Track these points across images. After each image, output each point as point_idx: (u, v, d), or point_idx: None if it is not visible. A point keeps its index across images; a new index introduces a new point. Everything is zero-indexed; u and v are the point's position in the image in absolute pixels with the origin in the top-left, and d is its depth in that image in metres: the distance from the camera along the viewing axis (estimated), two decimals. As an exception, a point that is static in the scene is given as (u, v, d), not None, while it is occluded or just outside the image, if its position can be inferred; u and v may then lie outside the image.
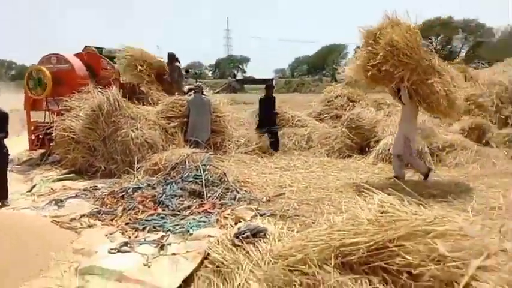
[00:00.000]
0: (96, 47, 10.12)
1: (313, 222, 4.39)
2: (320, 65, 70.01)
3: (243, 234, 3.84)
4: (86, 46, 10.05)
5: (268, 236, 3.70)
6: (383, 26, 6.26)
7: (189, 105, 8.45)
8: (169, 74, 10.58)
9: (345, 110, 11.11)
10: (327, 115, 11.57)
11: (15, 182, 7.00)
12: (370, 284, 2.56)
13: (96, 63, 9.64)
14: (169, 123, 8.23)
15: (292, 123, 10.42)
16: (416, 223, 2.64)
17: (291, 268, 2.84)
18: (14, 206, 5.54)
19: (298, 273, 2.77)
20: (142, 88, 9.98)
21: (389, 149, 7.91)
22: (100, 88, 8.04)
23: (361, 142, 9.19)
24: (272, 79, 46.44)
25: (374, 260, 2.62)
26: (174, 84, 10.38)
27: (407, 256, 2.48)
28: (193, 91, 9.18)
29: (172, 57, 10.63)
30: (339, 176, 7.05)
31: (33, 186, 6.49)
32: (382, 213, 2.97)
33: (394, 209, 2.98)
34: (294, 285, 2.71)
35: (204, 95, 8.98)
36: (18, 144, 9.89)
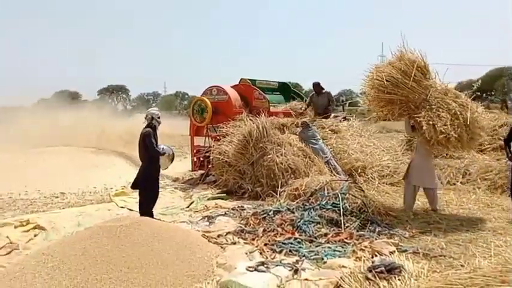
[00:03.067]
0: (250, 79, 11.06)
1: (461, 266, 3.97)
2: (487, 90, 62.72)
3: (377, 268, 3.71)
4: (241, 78, 11.07)
5: (404, 274, 3.50)
6: (392, 61, 6.61)
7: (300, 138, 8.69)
8: (314, 104, 10.51)
9: (512, 141, 9.69)
10: (489, 146, 10.27)
11: (178, 199, 8.07)
12: None
13: (250, 93, 10.53)
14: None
15: (447, 154, 9.55)
16: None
17: (424, 310, 2.65)
18: (175, 219, 6.35)
19: (432, 317, 2.57)
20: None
21: None
22: (252, 116, 8.77)
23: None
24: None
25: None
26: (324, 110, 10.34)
27: None
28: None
29: (317, 86, 10.42)
30: (499, 216, 6.19)
31: (191, 203, 7.34)
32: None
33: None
34: (427, 329, 2.52)
35: (310, 128, 8.95)
36: (186, 165, 11.40)
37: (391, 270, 3.70)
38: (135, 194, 7.27)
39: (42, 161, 12.27)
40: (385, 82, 6.32)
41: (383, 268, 3.71)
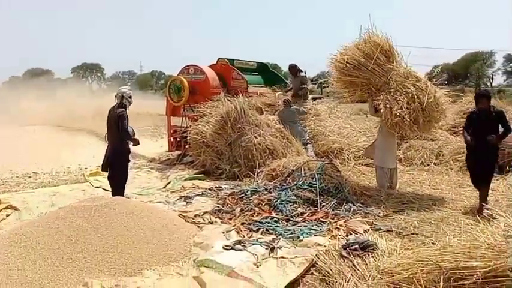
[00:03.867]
0: (229, 59, 10.93)
1: (433, 243, 4.08)
2: (462, 74, 63.88)
3: (351, 246, 3.79)
4: (219, 58, 10.92)
5: (377, 251, 3.58)
6: (358, 43, 6.65)
7: (280, 118, 8.71)
8: (292, 87, 10.53)
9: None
10: (462, 128, 10.50)
11: (154, 179, 8.00)
12: (483, 315, 2.32)
13: (228, 73, 10.42)
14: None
15: (421, 136, 9.73)
16: (547, 254, 2.31)
17: (396, 286, 2.73)
18: (151, 199, 6.31)
19: (403, 292, 2.64)
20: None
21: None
22: (229, 96, 8.69)
23: (501, 160, 8.15)
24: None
25: (490, 289, 2.37)
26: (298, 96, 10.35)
27: (531, 290, 2.19)
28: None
29: (293, 68, 10.35)
30: (471, 195, 6.39)
31: (168, 183, 7.29)
32: (506, 238, 2.66)
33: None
34: (399, 303, 2.60)
35: (292, 107, 8.96)
36: (162, 146, 11.28)
37: (365, 248, 3.78)
38: (110, 174, 7.18)
39: (13, 141, 11.92)
40: (347, 65, 6.42)
41: (357, 246, 3.80)
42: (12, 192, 6.66)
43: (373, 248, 3.69)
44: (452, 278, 2.54)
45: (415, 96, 6.19)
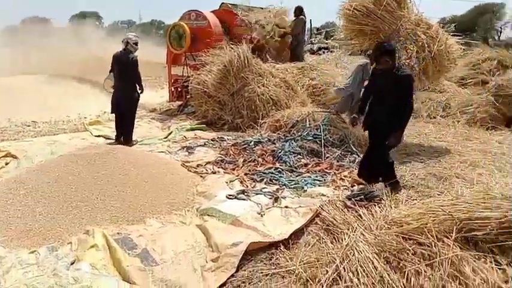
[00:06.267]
0: (232, 4, 10.44)
1: (439, 194, 4.00)
2: (470, 27, 61.99)
3: (357, 197, 3.72)
4: (222, 3, 10.43)
5: (384, 202, 3.50)
6: None
7: None
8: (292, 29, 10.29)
9: (494, 75, 9.68)
10: (471, 80, 10.25)
11: (156, 130, 7.87)
12: (496, 264, 2.25)
13: (231, 19, 9.97)
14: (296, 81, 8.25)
15: (429, 87, 9.48)
16: None
17: (405, 236, 2.65)
18: (153, 149, 6.20)
19: (413, 242, 2.57)
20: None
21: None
22: (233, 44, 8.35)
23: (509, 113, 7.99)
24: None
25: (504, 239, 2.29)
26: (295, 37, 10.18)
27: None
28: None
29: (296, 10, 10.26)
30: (476, 148, 6.27)
31: (170, 133, 7.16)
32: (523, 189, 2.56)
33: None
34: (407, 253, 2.53)
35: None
36: (163, 96, 11.04)
37: (371, 198, 3.72)
38: (111, 123, 7.05)
39: (12, 89, 11.68)
40: (355, 12, 6.13)
41: (362, 196, 3.73)
42: (10, 141, 6.55)
43: (380, 198, 3.62)
44: (464, 229, 2.46)
45: (426, 45, 5.95)
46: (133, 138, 6.56)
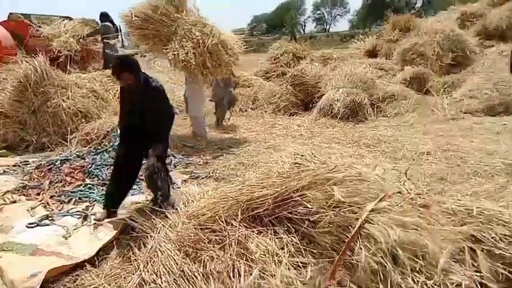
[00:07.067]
0: (23, 14, 9.43)
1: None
2: (279, 23, 68.63)
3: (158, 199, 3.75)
4: (10, 13, 9.33)
5: (189, 198, 3.64)
6: None
7: None
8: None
9: (290, 66, 10.99)
10: (273, 73, 11.44)
11: None
12: (275, 235, 2.56)
13: (24, 31, 9.02)
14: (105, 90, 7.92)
15: (238, 84, 10.24)
16: (319, 172, 2.64)
17: (201, 227, 2.81)
18: None
19: (208, 231, 2.74)
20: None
21: (330, 104, 7.97)
22: (28, 57, 7.54)
23: (305, 98, 9.19)
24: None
25: (279, 211, 2.62)
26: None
27: (307, 204, 2.48)
28: None
29: (102, 16, 10.02)
30: (280, 134, 7.05)
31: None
32: (294, 165, 2.97)
33: (305, 160, 2.99)
34: (204, 242, 2.69)
35: None
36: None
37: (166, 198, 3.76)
38: None
39: None
40: (136, 17, 6.43)
41: (160, 197, 3.73)
42: None
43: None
44: (249, 209, 2.73)
45: (201, 41, 6.36)
46: None
